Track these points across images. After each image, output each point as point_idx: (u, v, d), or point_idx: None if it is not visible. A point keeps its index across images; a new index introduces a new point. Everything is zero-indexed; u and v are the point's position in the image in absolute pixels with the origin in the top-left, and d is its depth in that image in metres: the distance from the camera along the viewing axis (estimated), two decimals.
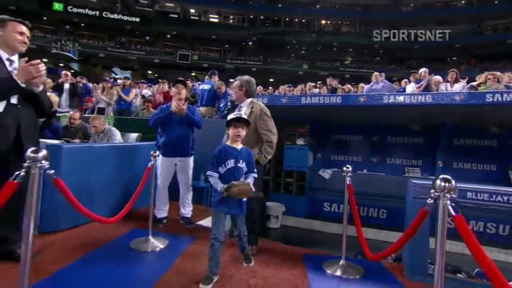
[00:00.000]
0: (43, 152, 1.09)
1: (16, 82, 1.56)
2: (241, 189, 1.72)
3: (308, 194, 4.38)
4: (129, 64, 26.03)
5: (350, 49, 26.66)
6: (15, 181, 1.08)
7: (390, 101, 2.98)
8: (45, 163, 1.10)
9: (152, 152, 2.21)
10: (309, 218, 4.25)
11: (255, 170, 1.99)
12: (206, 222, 2.84)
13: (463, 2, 24.95)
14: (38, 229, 2.12)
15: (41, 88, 1.67)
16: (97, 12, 25.02)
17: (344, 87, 5.54)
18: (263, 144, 2.36)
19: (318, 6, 26.56)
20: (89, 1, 25.66)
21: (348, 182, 2.04)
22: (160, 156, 2.52)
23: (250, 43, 27.01)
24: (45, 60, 24.94)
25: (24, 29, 1.68)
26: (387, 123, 4.47)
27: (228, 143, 1.93)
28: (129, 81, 5.66)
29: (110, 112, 5.05)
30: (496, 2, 24.06)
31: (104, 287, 1.56)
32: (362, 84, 5.87)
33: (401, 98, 2.92)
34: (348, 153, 4.79)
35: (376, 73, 5.05)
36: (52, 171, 1.19)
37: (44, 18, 24.93)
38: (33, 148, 1.10)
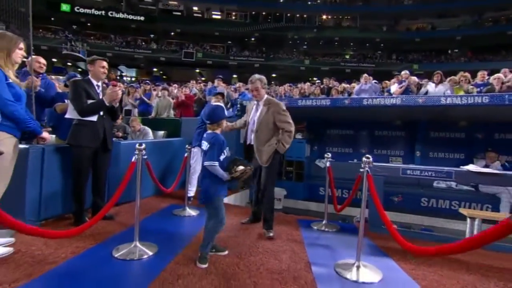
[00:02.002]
0: (143, 146, 1.88)
1: (105, 103, 2.37)
2: (247, 177, 1.84)
3: (306, 180, 5.16)
4: (135, 63, 26.74)
5: (351, 44, 26.97)
6: (134, 161, 1.88)
7: (368, 103, 3.72)
8: (145, 152, 1.90)
9: (187, 146, 3.01)
10: (306, 200, 5.05)
11: None
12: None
13: None
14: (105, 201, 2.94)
15: (117, 104, 2.49)
16: (103, 12, 25.58)
17: (338, 87, 6.25)
18: (282, 134, 2.56)
19: (319, 1, 26.86)
20: (95, 1, 26.28)
21: (328, 165, 2.85)
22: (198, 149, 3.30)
23: (253, 39, 27.45)
24: (54, 60, 25.83)
25: (105, 64, 2.47)
26: (374, 119, 5.20)
27: (218, 131, 1.96)
28: (149, 86, 6.45)
29: (136, 113, 5.87)
30: None
31: (167, 233, 2.38)
32: (354, 84, 6.58)
33: (377, 101, 3.66)
34: (341, 145, 5.56)
35: (365, 75, 5.76)
36: (146, 157, 1.97)
37: (52, 19, 25.65)
38: (139, 142, 1.89)
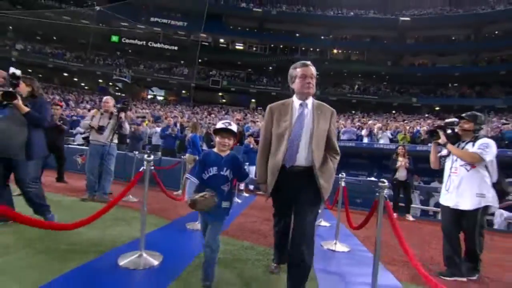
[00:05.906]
0: None
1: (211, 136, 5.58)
2: (205, 204, 1.68)
3: None
4: (168, 86, 30.92)
5: (359, 75, 29.96)
6: None
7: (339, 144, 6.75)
8: None
9: None
10: None
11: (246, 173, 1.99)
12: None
13: (461, 36, 27.89)
14: None
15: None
16: (144, 42, 30.05)
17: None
18: (331, 156, 1.92)
19: (331, 37, 30.28)
20: (137, 33, 30.99)
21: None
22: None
23: (270, 68, 31.07)
24: (100, 80, 30.25)
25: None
26: (349, 151, 8.17)
27: (215, 150, 1.94)
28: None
29: None
30: (493, 36, 26.90)
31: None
32: (344, 123, 9.60)
33: (342, 143, 6.67)
34: None
35: (348, 121, 8.80)
36: None
37: (102, 47, 30.41)
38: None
